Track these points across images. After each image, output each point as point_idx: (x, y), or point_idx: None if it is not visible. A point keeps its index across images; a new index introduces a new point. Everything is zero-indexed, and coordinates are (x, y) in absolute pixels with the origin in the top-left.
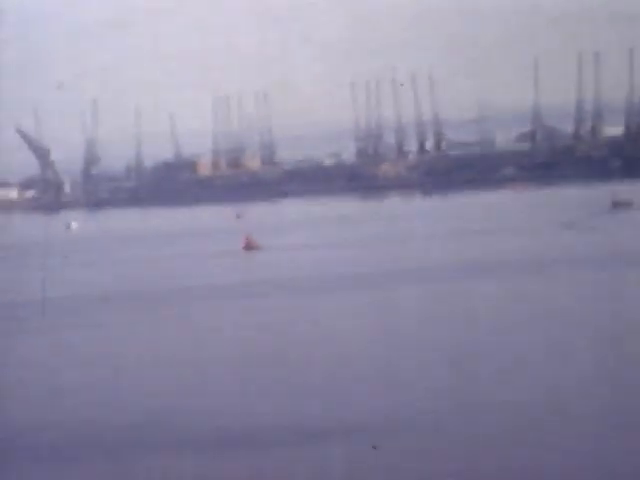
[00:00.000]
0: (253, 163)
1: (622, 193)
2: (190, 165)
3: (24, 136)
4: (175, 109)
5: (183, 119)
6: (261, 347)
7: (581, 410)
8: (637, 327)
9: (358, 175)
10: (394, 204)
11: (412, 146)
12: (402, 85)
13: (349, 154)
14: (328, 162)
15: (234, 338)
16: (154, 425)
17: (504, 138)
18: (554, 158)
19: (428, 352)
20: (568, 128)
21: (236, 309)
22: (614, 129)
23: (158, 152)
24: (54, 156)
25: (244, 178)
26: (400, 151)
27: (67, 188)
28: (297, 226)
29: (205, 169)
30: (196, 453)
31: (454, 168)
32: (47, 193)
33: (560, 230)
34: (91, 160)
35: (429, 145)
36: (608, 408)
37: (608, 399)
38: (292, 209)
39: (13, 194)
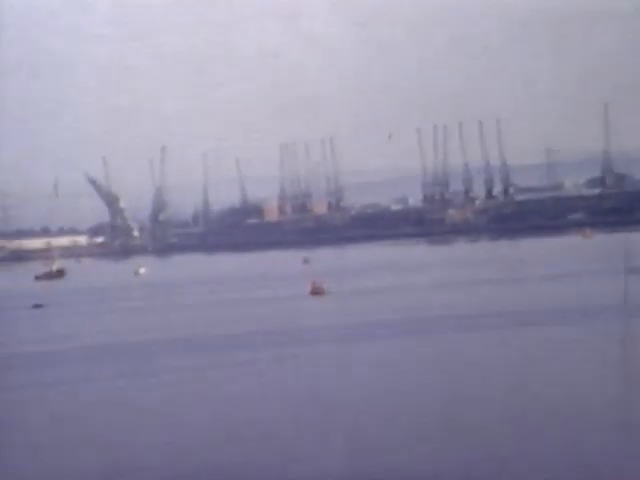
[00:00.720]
0: (319, 208)
1: None
2: (257, 210)
3: (94, 183)
4: (241, 155)
5: (250, 165)
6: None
7: None
8: None
9: (424, 220)
10: (461, 249)
11: (479, 192)
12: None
13: (415, 199)
14: (394, 207)
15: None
16: None
17: (572, 183)
18: (623, 203)
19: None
20: (637, 174)
21: (308, 355)
22: None
23: (225, 198)
24: (123, 203)
25: (310, 223)
26: (467, 196)
27: (136, 234)
28: (364, 271)
29: (272, 214)
30: None
31: (521, 213)
32: (116, 239)
33: (625, 276)
34: (159, 206)
35: (496, 190)
36: None
37: None
38: (358, 254)
39: (82, 240)
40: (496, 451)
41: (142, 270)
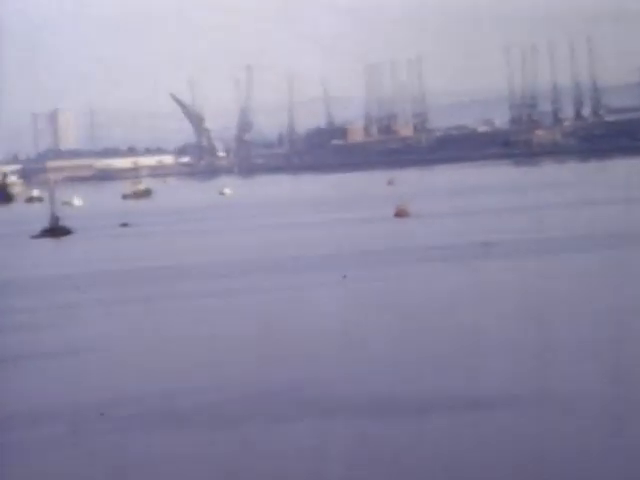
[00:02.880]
0: (405, 130)
1: None
2: (341, 131)
3: (179, 103)
4: (327, 76)
5: (335, 86)
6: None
7: None
8: None
9: (512, 142)
10: (550, 171)
11: (568, 112)
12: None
13: (502, 121)
14: (481, 129)
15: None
16: None
17: None
18: None
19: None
20: None
21: (397, 274)
22: None
23: (310, 118)
24: (209, 123)
25: (395, 145)
26: (555, 117)
27: (221, 154)
28: (449, 193)
29: (356, 136)
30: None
31: (611, 134)
32: (201, 159)
33: None
34: (244, 127)
35: (586, 111)
36: None
37: None
38: (444, 176)
39: (168, 160)
40: None
41: (227, 190)
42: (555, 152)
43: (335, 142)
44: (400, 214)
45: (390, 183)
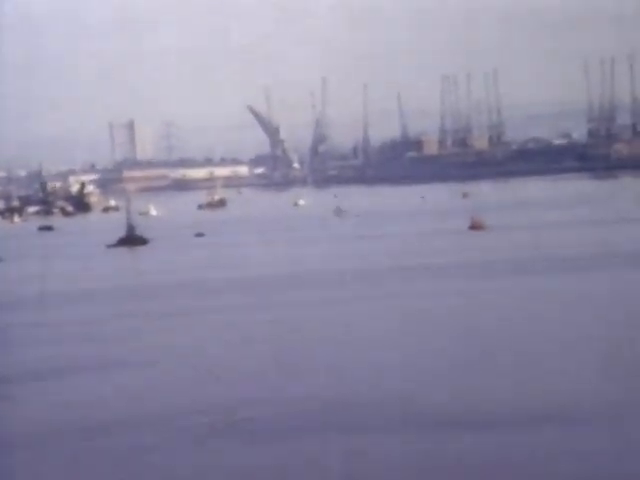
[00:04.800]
0: (480, 142)
1: None
2: (416, 144)
3: (255, 114)
4: (402, 88)
5: (410, 98)
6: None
7: None
8: None
9: (589, 155)
10: (629, 184)
11: None
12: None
13: (580, 134)
14: (557, 141)
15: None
16: None
17: None
18: None
19: None
20: None
21: (476, 289)
22: None
23: (385, 130)
24: (283, 134)
25: (470, 157)
26: (635, 131)
27: (296, 165)
28: (525, 206)
29: (431, 148)
30: None
31: None
32: (276, 170)
33: None
34: (319, 138)
35: None
36: None
37: None
38: (519, 189)
39: (243, 171)
40: None
41: (301, 201)
42: (634, 166)
43: (410, 154)
44: (475, 226)
45: (465, 196)
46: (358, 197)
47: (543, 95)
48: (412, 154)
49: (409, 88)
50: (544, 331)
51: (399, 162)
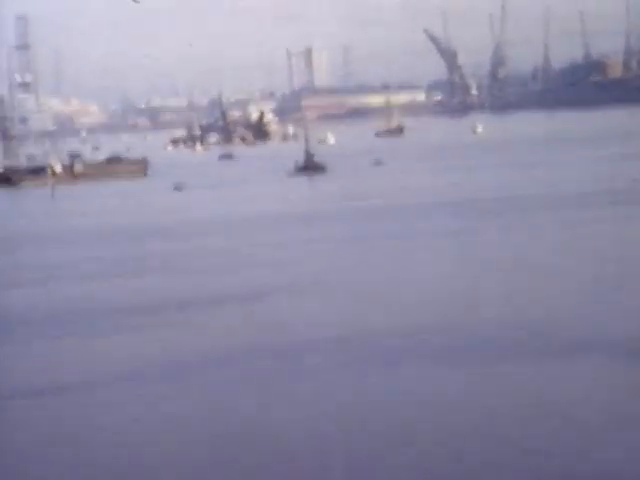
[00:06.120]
0: None
1: None
2: (600, 66)
3: (432, 39)
4: (585, 8)
5: (593, 18)
6: None
7: None
8: None
9: None
10: None
11: None
12: None
13: None
14: None
15: None
16: None
17: None
18: None
19: None
20: None
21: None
22: None
23: (566, 53)
24: (461, 59)
25: None
26: None
27: (474, 91)
28: None
29: (616, 70)
30: None
31: None
32: (454, 96)
33: None
34: (498, 63)
35: None
36: None
37: None
38: None
39: (421, 97)
40: None
41: (479, 128)
42: None
43: (592, 78)
44: None
45: None
46: (540, 122)
47: None
48: (595, 77)
49: (592, 8)
50: None
51: (581, 86)
